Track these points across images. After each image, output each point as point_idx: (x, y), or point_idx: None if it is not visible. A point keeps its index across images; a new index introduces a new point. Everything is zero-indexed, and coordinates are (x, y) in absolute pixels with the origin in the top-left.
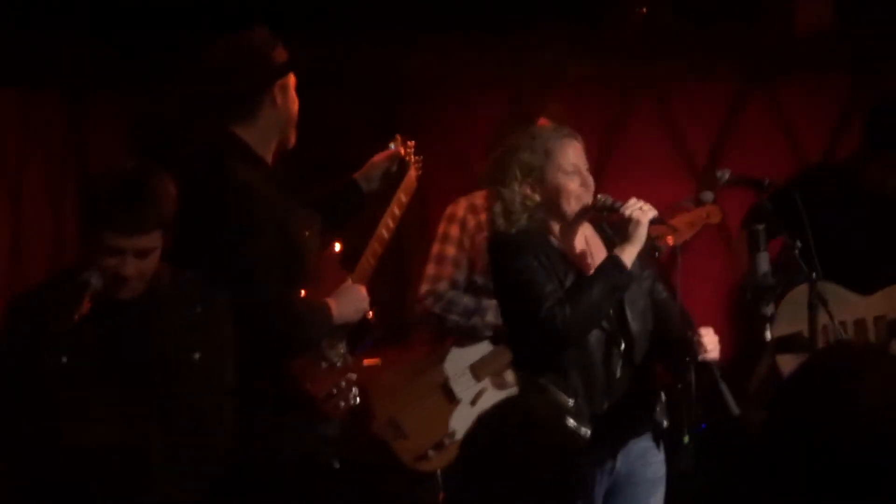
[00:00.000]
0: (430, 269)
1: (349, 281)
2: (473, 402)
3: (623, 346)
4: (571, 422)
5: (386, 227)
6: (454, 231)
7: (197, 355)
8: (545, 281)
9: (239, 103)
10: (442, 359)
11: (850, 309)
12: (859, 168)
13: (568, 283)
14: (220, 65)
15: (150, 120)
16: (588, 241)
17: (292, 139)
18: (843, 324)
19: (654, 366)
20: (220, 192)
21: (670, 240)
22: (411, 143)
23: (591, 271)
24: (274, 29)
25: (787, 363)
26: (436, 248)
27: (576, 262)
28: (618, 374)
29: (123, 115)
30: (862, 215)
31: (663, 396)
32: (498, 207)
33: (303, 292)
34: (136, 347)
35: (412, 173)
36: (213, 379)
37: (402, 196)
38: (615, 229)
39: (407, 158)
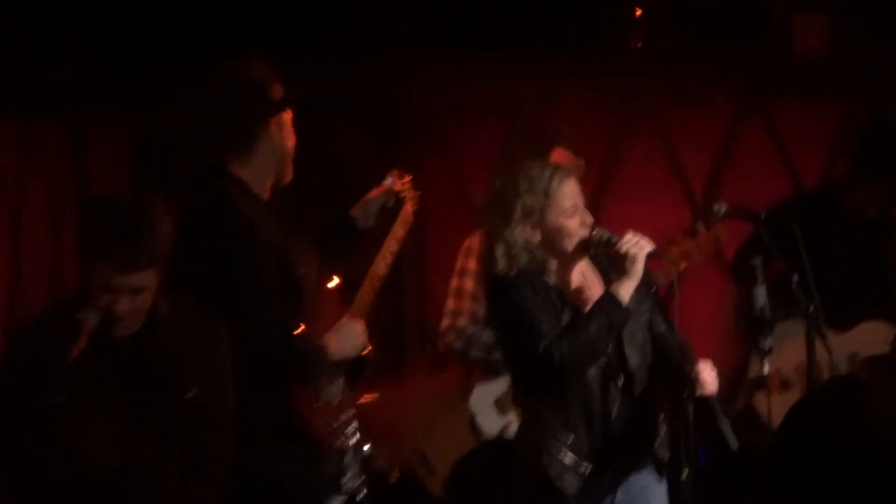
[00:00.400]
0: (450, 303)
1: (346, 317)
2: (500, 436)
3: (622, 380)
4: (570, 456)
5: (383, 261)
6: (472, 264)
7: (194, 391)
8: (542, 318)
9: (235, 140)
10: (467, 395)
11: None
12: (844, 194)
13: (564, 319)
14: (217, 102)
15: (151, 147)
16: (585, 276)
17: (289, 175)
18: (817, 363)
19: (655, 399)
20: (221, 224)
21: (683, 265)
22: (408, 178)
23: (588, 307)
24: (272, 53)
25: (761, 399)
26: (454, 281)
27: (572, 299)
28: (617, 408)
29: (124, 139)
30: (843, 243)
31: (664, 430)
32: (500, 250)
33: (302, 327)
34: (133, 384)
35: (409, 208)
36: (211, 412)
37: (399, 231)
38: (611, 262)
39: (403, 193)
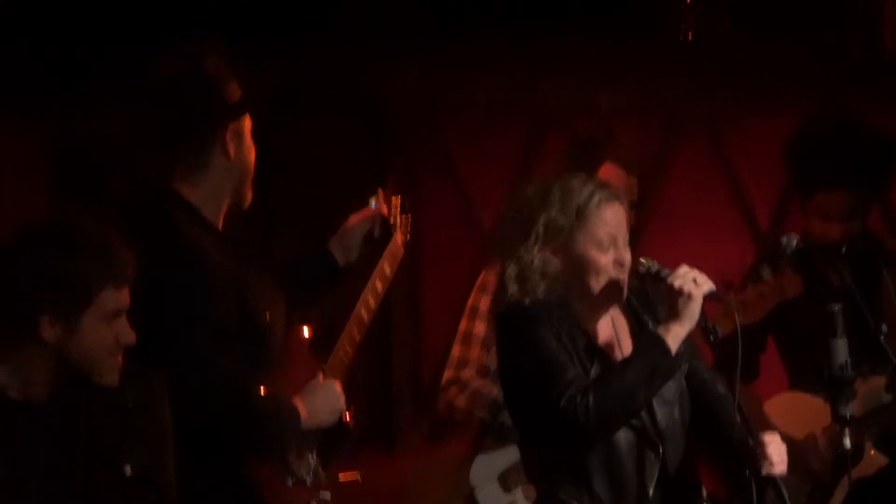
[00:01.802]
0: (456, 350)
1: (321, 375)
2: None
3: (661, 448)
4: None
5: (366, 306)
6: (485, 304)
7: (128, 467)
8: (567, 364)
9: (182, 153)
10: (467, 465)
11: (818, 416)
12: (808, 223)
13: (594, 372)
14: (159, 104)
15: (78, 163)
16: (616, 328)
17: (248, 197)
18: (812, 435)
19: (696, 470)
20: (164, 258)
21: (739, 318)
22: (396, 200)
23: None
24: (233, 40)
25: None
26: (463, 324)
27: (602, 349)
28: (653, 483)
29: (38, 150)
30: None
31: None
32: (512, 270)
33: (265, 387)
34: (52, 457)
35: (398, 238)
36: (148, 493)
37: (385, 267)
38: (643, 302)
39: (391, 220)
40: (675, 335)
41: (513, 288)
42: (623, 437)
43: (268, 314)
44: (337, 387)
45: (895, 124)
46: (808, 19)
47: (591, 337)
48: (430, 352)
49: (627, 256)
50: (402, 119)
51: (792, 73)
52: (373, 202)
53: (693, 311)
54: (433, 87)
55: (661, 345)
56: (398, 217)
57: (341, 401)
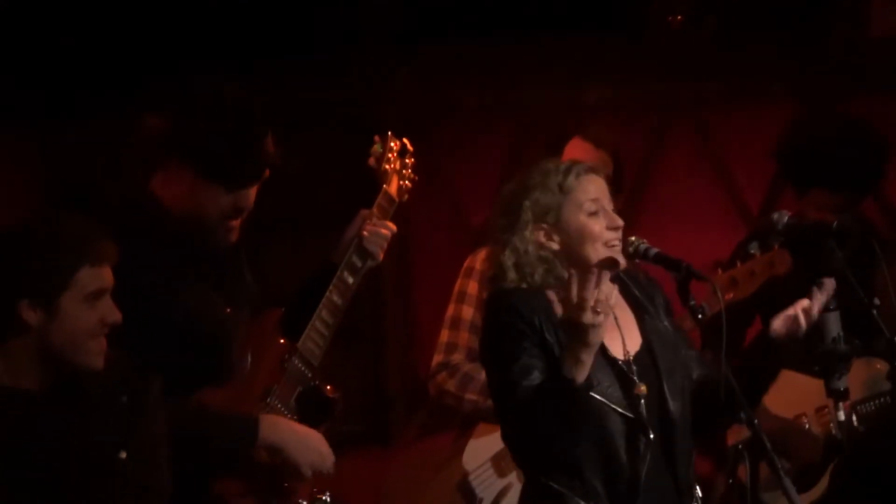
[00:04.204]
0: (444, 335)
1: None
2: (496, 503)
3: (653, 435)
4: None
5: (350, 268)
6: (472, 288)
7: (123, 454)
8: (533, 365)
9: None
10: (460, 451)
11: (809, 396)
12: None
13: None
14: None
15: (68, 180)
16: (615, 313)
17: None
18: (803, 415)
19: (690, 465)
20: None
21: (730, 295)
22: (395, 146)
23: (611, 344)
24: (226, 58)
25: None
26: (450, 309)
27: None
28: (646, 471)
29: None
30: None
31: (699, 492)
32: (508, 259)
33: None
34: (49, 448)
35: (391, 188)
36: (142, 483)
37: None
38: (640, 288)
39: (383, 165)
40: (573, 362)
41: (512, 275)
42: (615, 424)
43: (227, 310)
44: (319, 441)
45: (880, 113)
46: (793, 10)
47: None
48: (423, 351)
49: (619, 220)
50: (389, 124)
51: (778, 64)
52: (377, 146)
53: (593, 340)
54: (420, 92)
55: (563, 381)
56: (395, 162)
57: (326, 454)
